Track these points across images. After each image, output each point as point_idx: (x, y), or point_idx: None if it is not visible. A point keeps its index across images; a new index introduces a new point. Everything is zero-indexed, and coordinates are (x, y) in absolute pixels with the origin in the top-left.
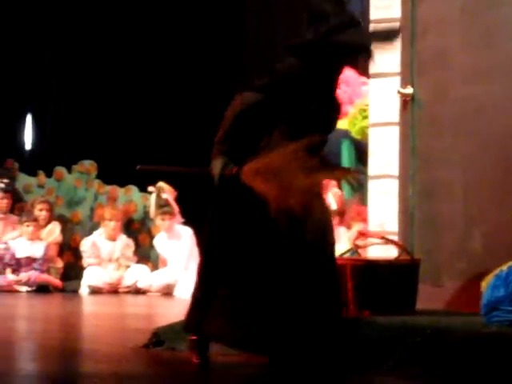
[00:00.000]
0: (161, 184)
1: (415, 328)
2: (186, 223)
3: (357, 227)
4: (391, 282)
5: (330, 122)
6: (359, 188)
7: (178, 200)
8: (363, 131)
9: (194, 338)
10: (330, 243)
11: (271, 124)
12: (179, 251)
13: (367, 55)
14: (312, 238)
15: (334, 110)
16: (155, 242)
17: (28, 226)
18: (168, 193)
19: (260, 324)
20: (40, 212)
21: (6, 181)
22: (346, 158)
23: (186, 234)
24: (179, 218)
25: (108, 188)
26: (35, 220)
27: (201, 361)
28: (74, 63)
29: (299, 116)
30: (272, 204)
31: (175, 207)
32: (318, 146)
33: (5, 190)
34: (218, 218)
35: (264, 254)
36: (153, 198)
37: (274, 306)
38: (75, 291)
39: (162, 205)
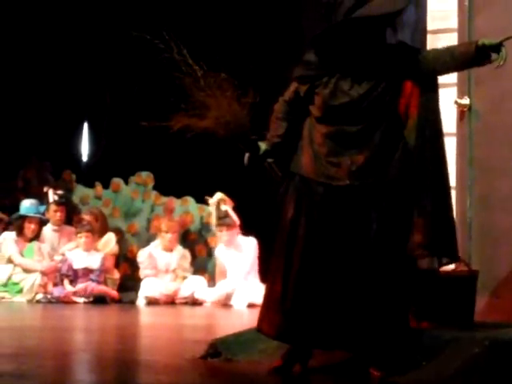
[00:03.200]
0: (220, 195)
1: (473, 339)
2: (247, 234)
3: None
4: (449, 293)
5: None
6: None
7: (237, 210)
8: None
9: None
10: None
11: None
12: (240, 262)
13: (389, 24)
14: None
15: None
16: (216, 252)
17: (81, 237)
18: (227, 204)
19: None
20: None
21: (60, 193)
22: None
23: (247, 245)
24: (239, 229)
25: (165, 199)
26: (88, 231)
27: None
28: (129, 74)
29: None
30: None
31: (235, 218)
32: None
33: (58, 203)
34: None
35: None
36: (213, 210)
37: (349, 303)
38: (132, 302)
39: (222, 216)
